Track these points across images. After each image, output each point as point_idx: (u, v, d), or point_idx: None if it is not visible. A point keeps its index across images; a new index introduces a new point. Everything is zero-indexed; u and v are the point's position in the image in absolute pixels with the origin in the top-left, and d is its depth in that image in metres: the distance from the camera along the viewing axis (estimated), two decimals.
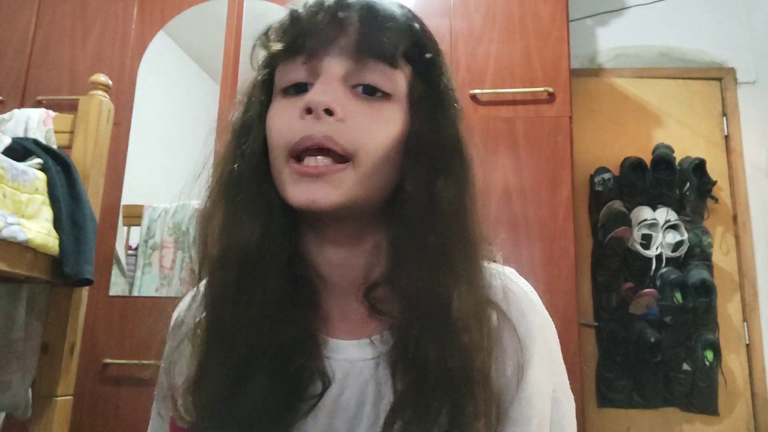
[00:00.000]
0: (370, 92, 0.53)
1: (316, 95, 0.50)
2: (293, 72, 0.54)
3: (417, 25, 0.57)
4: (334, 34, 0.53)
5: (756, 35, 2.52)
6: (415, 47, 0.56)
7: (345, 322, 0.57)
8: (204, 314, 0.56)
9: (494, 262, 0.60)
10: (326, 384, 0.53)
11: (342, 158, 0.51)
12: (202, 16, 2.14)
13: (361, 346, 0.55)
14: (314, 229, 0.56)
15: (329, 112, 0.50)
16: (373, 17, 0.54)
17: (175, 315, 0.64)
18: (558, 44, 1.95)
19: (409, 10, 0.58)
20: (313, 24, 0.53)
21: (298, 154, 0.51)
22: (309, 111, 0.50)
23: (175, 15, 2.14)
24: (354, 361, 0.55)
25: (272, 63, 0.57)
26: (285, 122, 0.52)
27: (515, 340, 0.55)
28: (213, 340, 0.54)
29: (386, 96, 0.54)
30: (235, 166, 0.55)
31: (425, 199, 0.53)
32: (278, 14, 0.57)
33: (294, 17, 0.54)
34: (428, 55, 0.57)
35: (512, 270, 0.61)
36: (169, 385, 0.58)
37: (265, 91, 0.57)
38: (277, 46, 0.55)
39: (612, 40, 2.57)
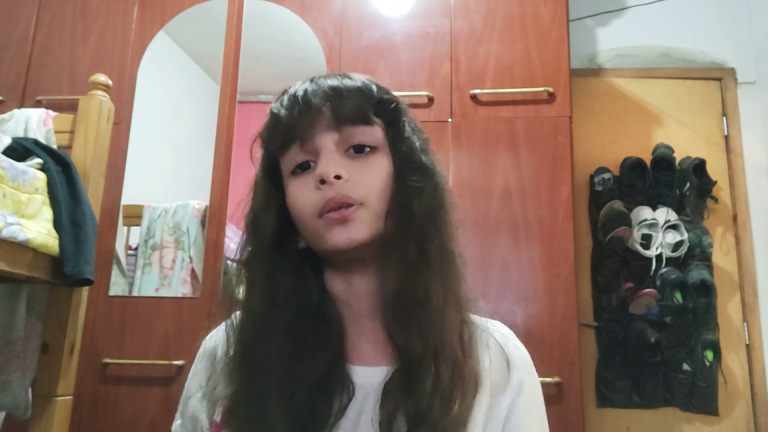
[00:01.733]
0: (360, 150, 0.67)
1: (325, 168, 0.64)
2: (295, 156, 0.68)
3: (375, 87, 0.71)
4: (315, 117, 0.67)
5: (756, 35, 2.52)
6: (379, 104, 0.70)
7: (367, 348, 0.68)
8: (234, 350, 0.68)
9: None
10: (347, 401, 0.63)
11: (355, 204, 0.65)
12: (202, 16, 2.14)
13: (379, 373, 0.65)
14: (345, 272, 0.69)
15: (338, 177, 0.65)
16: (340, 93, 0.67)
17: (205, 350, 0.74)
18: (558, 44, 1.95)
19: (368, 80, 0.71)
20: (295, 117, 0.67)
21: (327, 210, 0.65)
22: (323, 182, 0.64)
23: (175, 15, 2.14)
24: (373, 385, 0.64)
25: (272, 157, 0.71)
26: (306, 196, 0.66)
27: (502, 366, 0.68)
28: (247, 375, 0.65)
29: (372, 149, 0.68)
30: (250, 248, 0.70)
31: (404, 217, 0.66)
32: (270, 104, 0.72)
33: (278, 118, 0.68)
34: (392, 106, 0.71)
35: (497, 322, 0.74)
36: (211, 407, 0.69)
37: (269, 181, 0.71)
38: (274, 145, 0.69)
39: (612, 40, 2.57)
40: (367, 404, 0.64)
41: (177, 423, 0.74)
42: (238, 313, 0.70)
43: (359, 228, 0.64)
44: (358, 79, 0.71)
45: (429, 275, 0.65)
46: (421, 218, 0.67)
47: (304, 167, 0.67)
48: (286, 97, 0.70)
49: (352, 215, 0.64)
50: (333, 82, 0.69)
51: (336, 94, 0.67)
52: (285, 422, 0.60)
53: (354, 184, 0.65)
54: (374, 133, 0.68)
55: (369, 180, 0.66)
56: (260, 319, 0.66)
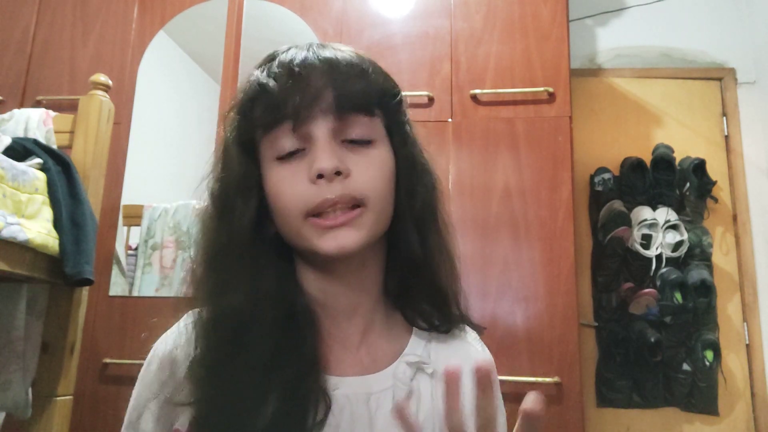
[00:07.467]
0: (356, 141, 0.59)
1: (324, 162, 0.56)
2: (283, 140, 0.58)
3: (379, 73, 0.63)
4: (312, 98, 0.57)
5: (756, 35, 2.52)
6: (383, 94, 0.63)
7: (342, 354, 0.62)
8: (203, 352, 0.59)
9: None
10: (323, 414, 0.57)
11: (354, 205, 0.58)
12: (202, 16, 2.14)
13: (355, 383, 0.61)
14: (323, 269, 0.62)
15: (338, 173, 0.57)
16: (342, 74, 0.59)
17: (160, 355, 0.65)
18: (558, 44, 1.95)
19: (367, 59, 0.63)
20: (289, 92, 0.57)
21: (318, 212, 0.58)
22: (321, 176, 0.56)
23: (175, 15, 2.14)
24: (349, 396, 0.60)
25: (251, 132, 0.61)
26: (297, 188, 0.58)
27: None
28: (219, 381, 0.57)
29: (371, 142, 0.60)
30: (223, 237, 0.61)
31: (409, 210, 0.63)
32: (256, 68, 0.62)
33: (266, 90, 0.58)
34: (395, 99, 0.64)
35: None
36: (169, 415, 0.62)
37: (245, 160, 0.61)
38: (257, 121, 0.59)
39: (612, 40, 2.57)
40: (343, 417, 0.58)
41: None
42: (194, 311, 0.63)
43: (356, 235, 0.57)
44: (353, 55, 0.62)
45: (431, 274, 0.65)
46: (422, 217, 0.65)
47: (293, 154, 0.59)
48: (276, 65, 0.60)
49: (352, 220, 0.57)
50: (329, 54, 0.60)
51: (337, 73, 0.59)
52: None
53: (355, 180, 0.58)
54: (374, 126, 0.61)
55: (370, 176, 0.59)
56: (238, 321, 0.58)
